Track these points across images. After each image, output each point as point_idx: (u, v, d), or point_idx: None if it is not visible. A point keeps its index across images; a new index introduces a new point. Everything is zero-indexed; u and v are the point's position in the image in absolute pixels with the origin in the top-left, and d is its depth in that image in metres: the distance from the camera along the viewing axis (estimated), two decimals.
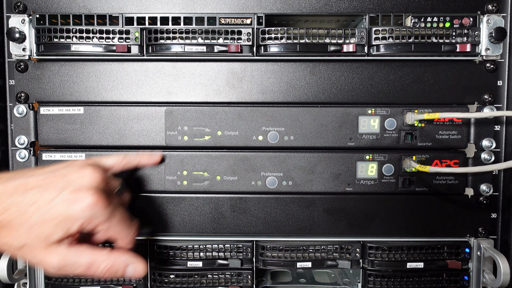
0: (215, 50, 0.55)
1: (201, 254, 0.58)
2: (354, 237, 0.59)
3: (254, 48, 0.56)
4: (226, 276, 0.58)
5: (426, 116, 0.55)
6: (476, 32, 0.55)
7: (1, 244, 0.41)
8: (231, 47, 0.55)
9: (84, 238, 0.45)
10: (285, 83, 0.58)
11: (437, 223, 0.59)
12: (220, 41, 0.55)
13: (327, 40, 0.55)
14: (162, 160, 0.57)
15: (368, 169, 0.58)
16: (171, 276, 0.58)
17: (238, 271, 0.58)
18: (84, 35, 0.54)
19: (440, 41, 0.55)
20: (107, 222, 0.43)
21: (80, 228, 0.41)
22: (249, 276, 0.59)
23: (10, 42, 0.56)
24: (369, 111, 0.57)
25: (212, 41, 0.55)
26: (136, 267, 0.45)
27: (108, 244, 0.51)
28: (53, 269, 0.42)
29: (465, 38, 0.55)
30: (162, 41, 0.55)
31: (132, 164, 0.55)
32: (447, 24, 0.56)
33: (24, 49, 0.56)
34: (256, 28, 0.55)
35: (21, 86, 0.58)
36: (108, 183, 0.45)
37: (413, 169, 0.56)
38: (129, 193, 0.55)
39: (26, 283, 0.59)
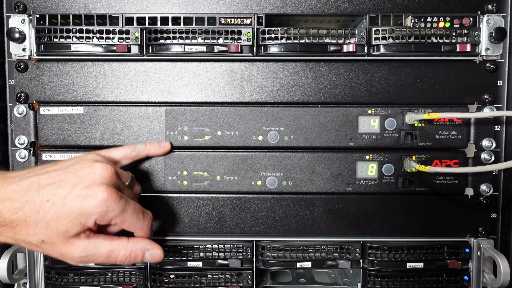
0: (215, 50, 0.55)
1: (201, 254, 0.58)
2: (354, 237, 0.59)
3: (254, 48, 0.56)
4: (226, 276, 0.58)
5: (426, 116, 0.55)
6: (476, 32, 0.55)
7: (20, 241, 0.42)
8: (231, 47, 0.55)
9: (102, 228, 0.46)
10: (285, 83, 0.58)
11: (437, 223, 0.59)
12: (220, 41, 0.55)
13: (327, 40, 0.55)
14: (172, 149, 0.57)
15: (368, 169, 0.58)
16: (171, 276, 0.58)
17: (238, 271, 0.58)
18: (84, 35, 0.54)
19: (440, 41, 0.55)
20: (120, 215, 0.43)
21: (95, 222, 0.42)
22: (249, 276, 0.59)
23: (10, 42, 0.56)
24: (369, 111, 0.57)
25: (212, 41, 0.55)
26: (153, 253, 0.47)
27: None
28: (75, 260, 0.43)
29: (465, 38, 0.55)
30: (162, 41, 0.55)
31: (142, 155, 0.55)
32: (447, 24, 0.56)
33: (24, 49, 0.56)
34: (256, 28, 0.55)
35: (21, 86, 0.58)
36: (118, 177, 0.46)
37: (413, 169, 0.56)
38: (140, 185, 0.55)
39: (26, 283, 0.59)
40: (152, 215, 0.49)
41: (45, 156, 0.58)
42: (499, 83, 0.58)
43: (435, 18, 0.56)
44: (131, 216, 0.45)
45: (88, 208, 0.41)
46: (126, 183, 0.48)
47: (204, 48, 0.55)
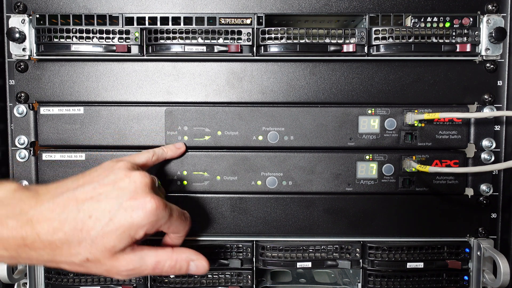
0: (215, 50, 0.55)
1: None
2: (354, 237, 0.59)
3: (254, 48, 0.56)
4: (226, 276, 0.58)
5: (426, 116, 0.55)
6: (476, 32, 0.55)
7: (60, 263, 0.40)
8: (231, 47, 0.55)
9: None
10: (285, 83, 0.58)
11: (437, 223, 0.59)
12: (220, 41, 0.55)
13: (327, 40, 0.55)
14: (186, 150, 0.57)
15: (368, 169, 0.58)
16: (171, 276, 0.58)
17: (238, 271, 0.58)
18: (84, 35, 0.54)
19: (440, 41, 0.55)
20: (168, 222, 0.42)
21: (145, 234, 0.41)
22: (249, 276, 0.58)
23: (10, 42, 0.56)
24: (369, 111, 0.57)
25: (212, 41, 0.55)
26: (198, 264, 0.45)
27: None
28: (122, 275, 0.41)
29: (465, 38, 0.55)
30: (162, 41, 0.55)
31: (161, 159, 0.55)
32: (447, 24, 0.56)
33: (24, 49, 0.56)
34: (256, 28, 0.55)
35: (21, 86, 0.58)
36: (155, 183, 0.44)
37: (413, 169, 0.56)
38: (163, 188, 0.55)
39: (26, 283, 0.59)
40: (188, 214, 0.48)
41: (45, 156, 0.58)
42: (499, 83, 0.58)
43: (435, 18, 0.56)
44: (176, 220, 0.44)
45: (138, 220, 0.39)
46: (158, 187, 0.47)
47: (204, 48, 0.55)
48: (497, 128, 0.59)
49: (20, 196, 0.39)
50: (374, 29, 0.55)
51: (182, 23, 0.56)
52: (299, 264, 0.58)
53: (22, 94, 0.57)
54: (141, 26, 0.56)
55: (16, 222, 0.37)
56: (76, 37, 0.55)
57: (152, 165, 0.54)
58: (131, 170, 0.43)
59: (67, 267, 0.40)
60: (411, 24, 0.56)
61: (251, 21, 0.56)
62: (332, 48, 0.55)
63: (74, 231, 0.38)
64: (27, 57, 0.57)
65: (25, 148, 0.58)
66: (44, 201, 0.39)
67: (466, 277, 0.59)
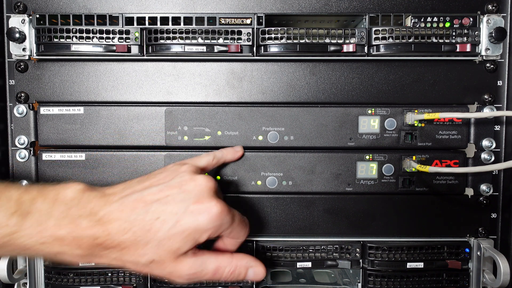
0: (215, 50, 0.55)
1: None
2: (354, 237, 0.59)
3: (254, 48, 0.56)
4: None
5: (426, 116, 0.55)
6: (476, 32, 0.55)
7: (126, 262, 0.40)
8: (231, 47, 0.55)
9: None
10: (285, 83, 0.58)
11: (437, 223, 0.59)
12: (220, 41, 0.55)
13: (327, 40, 0.55)
14: (243, 154, 0.57)
15: (368, 169, 0.58)
16: None
17: None
18: (84, 35, 0.54)
19: (440, 41, 0.55)
20: (230, 226, 0.43)
21: (208, 238, 0.41)
22: None
23: (10, 42, 0.56)
24: (369, 111, 0.57)
25: (212, 41, 0.55)
26: (256, 271, 0.45)
27: None
28: (184, 278, 0.42)
29: (465, 38, 0.55)
30: (162, 41, 0.55)
31: (220, 162, 0.55)
32: (447, 24, 0.56)
33: (24, 49, 0.56)
34: (256, 28, 0.55)
35: (21, 86, 0.58)
36: (218, 187, 0.45)
37: (413, 169, 0.56)
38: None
39: (26, 283, 0.59)
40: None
41: (45, 156, 0.58)
42: (499, 83, 0.58)
43: (435, 18, 0.56)
44: (238, 226, 0.44)
45: (203, 224, 0.40)
46: None
47: (204, 48, 0.55)
48: (497, 128, 0.59)
49: (88, 196, 0.40)
50: (374, 29, 0.55)
51: (182, 23, 0.56)
52: (299, 264, 0.58)
53: (22, 94, 0.57)
54: (141, 26, 0.56)
55: (87, 222, 0.38)
56: (76, 37, 0.55)
57: (212, 168, 0.54)
58: (195, 174, 0.44)
59: (132, 267, 0.41)
60: (411, 24, 0.56)
61: (251, 21, 0.56)
62: (332, 48, 0.55)
63: (142, 232, 0.39)
64: (27, 57, 0.57)
65: (25, 148, 0.58)
66: (113, 202, 0.40)
67: (466, 277, 0.59)
